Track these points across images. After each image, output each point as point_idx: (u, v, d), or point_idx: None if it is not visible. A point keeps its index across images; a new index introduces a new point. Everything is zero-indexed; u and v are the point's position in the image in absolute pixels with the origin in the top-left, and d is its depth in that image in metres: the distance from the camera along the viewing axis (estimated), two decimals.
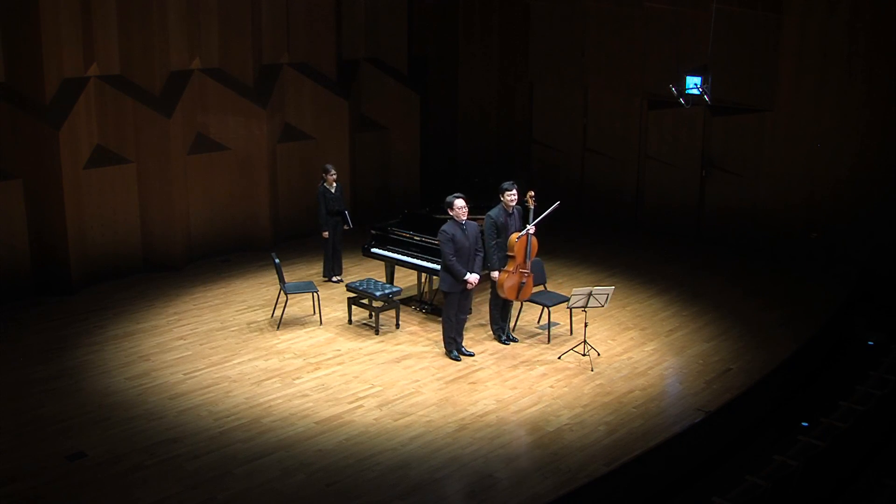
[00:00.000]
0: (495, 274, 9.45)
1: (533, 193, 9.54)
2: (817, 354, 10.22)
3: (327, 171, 11.45)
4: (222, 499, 6.82)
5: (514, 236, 9.36)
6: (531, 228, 9.35)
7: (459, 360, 9.33)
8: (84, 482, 7.01)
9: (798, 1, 12.44)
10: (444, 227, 9.10)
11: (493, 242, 9.42)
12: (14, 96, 10.82)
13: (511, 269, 9.41)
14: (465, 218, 9.09)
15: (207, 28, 12.54)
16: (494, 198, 9.68)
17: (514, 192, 9.42)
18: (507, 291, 9.47)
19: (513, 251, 9.36)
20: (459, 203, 9.02)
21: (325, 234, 11.50)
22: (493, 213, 9.49)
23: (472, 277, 9.13)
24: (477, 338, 9.92)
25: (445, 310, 9.33)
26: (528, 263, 9.42)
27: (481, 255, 9.27)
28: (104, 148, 11.65)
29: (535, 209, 9.43)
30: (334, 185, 11.47)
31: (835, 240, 12.60)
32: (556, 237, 13.37)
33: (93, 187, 11.42)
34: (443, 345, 9.51)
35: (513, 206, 9.47)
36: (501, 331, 9.84)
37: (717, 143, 13.68)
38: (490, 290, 9.83)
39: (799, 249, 12.89)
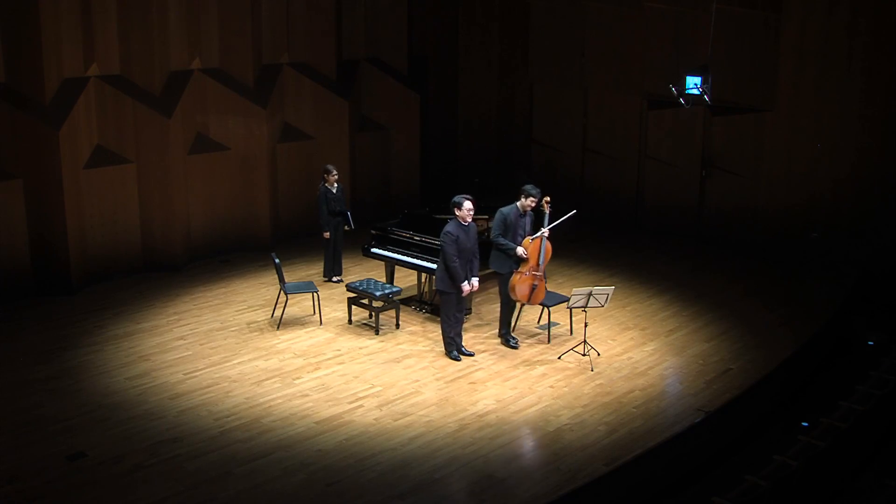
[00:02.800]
0: (520, 250, 9.29)
1: (549, 199, 9.52)
2: (817, 354, 10.22)
3: (328, 172, 11.44)
4: (222, 499, 6.82)
5: (528, 239, 9.35)
6: (545, 232, 9.34)
7: (459, 360, 9.33)
8: (84, 482, 7.01)
9: (798, 1, 12.44)
10: (447, 227, 9.08)
11: (498, 233, 9.41)
12: (14, 96, 10.81)
13: (524, 270, 9.39)
14: (470, 220, 9.11)
15: (207, 28, 12.53)
16: (494, 198, 9.67)
17: (536, 197, 9.37)
18: (518, 294, 9.44)
19: (526, 254, 9.36)
20: (468, 205, 9.01)
21: (327, 234, 11.50)
22: (505, 209, 9.48)
23: (469, 285, 9.15)
24: (477, 338, 9.92)
25: (443, 310, 9.33)
26: (542, 267, 9.41)
27: (478, 260, 9.28)
28: (104, 148, 11.64)
29: (549, 214, 9.43)
30: (335, 185, 11.47)
31: (835, 240, 12.60)
32: (555, 237, 13.35)
33: (93, 187, 11.42)
34: (443, 345, 9.52)
35: (529, 210, 9.47)
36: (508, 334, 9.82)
37: (717, 143, 13.68)
38: (500, 293, 9.79)
39: (799, 249, 12.89)
